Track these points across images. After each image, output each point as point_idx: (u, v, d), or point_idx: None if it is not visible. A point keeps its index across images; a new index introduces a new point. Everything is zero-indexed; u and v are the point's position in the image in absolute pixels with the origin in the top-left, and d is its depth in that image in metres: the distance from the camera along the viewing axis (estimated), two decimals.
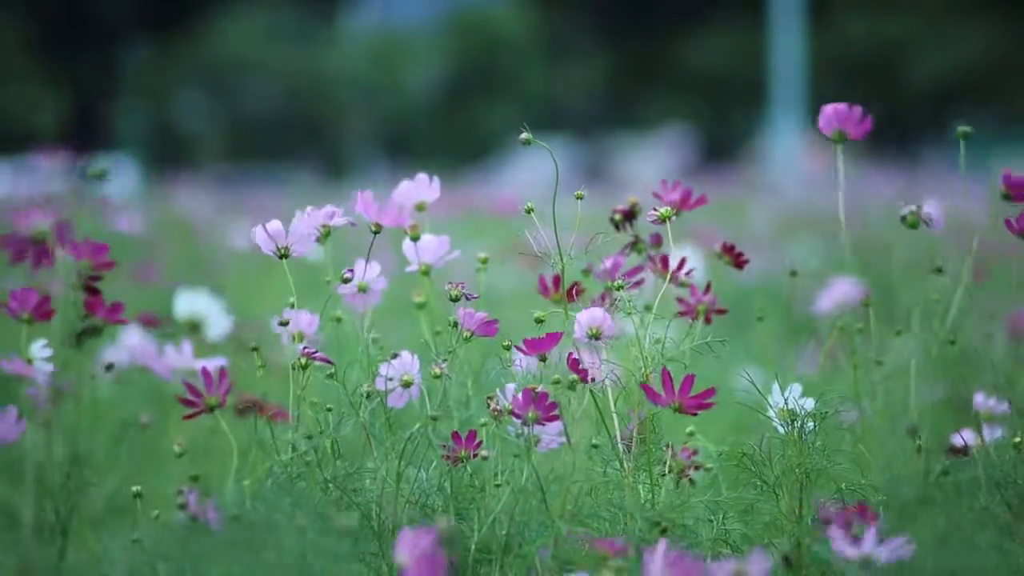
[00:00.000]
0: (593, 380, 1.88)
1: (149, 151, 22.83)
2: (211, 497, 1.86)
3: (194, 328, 2.64)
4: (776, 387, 1.91)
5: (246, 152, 23.28)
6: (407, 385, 1.89)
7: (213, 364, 2.44)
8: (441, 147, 23.41)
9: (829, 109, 2.05)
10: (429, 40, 26.11)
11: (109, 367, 2.23)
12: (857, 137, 2.06)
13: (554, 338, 1.87)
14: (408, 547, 1.58)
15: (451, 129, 25.03)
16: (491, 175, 17.44)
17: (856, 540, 1.65)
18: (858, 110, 2.05)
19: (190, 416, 1.91)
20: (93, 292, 2.00)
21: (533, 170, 14.56)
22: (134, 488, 1.92)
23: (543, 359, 1.87)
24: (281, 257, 1.92)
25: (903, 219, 2.04)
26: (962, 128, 2.00)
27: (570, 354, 1.87)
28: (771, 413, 1.91)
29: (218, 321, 2.65)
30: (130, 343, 2.66)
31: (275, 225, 1.92)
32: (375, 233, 1.96)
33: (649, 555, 1.61)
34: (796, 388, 1.91)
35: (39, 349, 1.98)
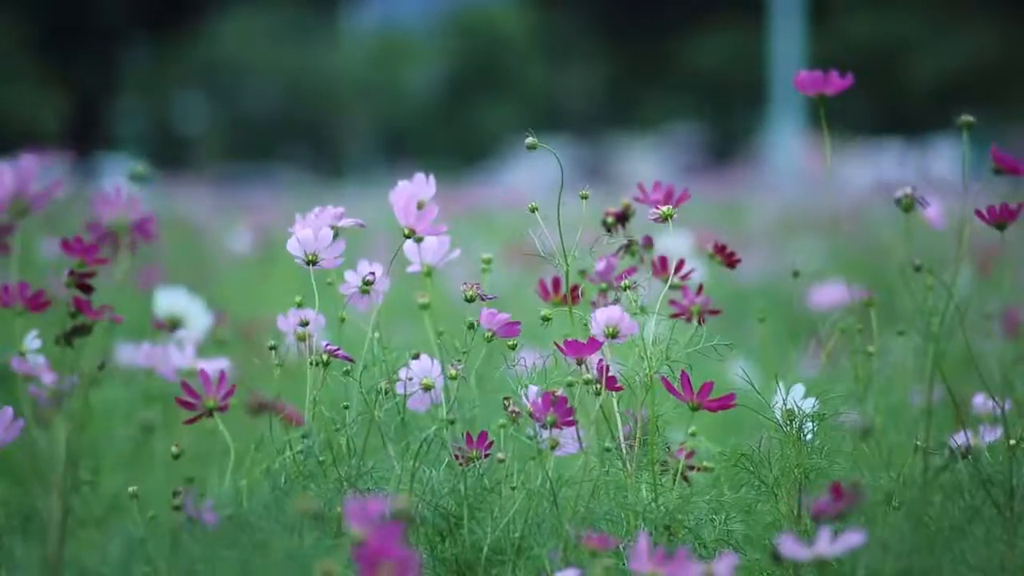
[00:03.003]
0: (620, 387, 1.88)
1: (149, 151, 22.82)
2: (208, 497, 1.86)
3: (175, 325, 2.65)
4: (779, 387, 1.91)
5: (246, 152, 23.28)
6: (427, 388, 1.90)
7: (215, 365, 2.45)
8: (441, 147, 23.41)
9: (804, 74, 2.08)
10: (429, 40, 26.11)
11: (101, 366, 2.23)
12: (836, 92, 2.07)
13: (595, 343, 1.87)
14: (358, 519, 1.49)
15: (451, 129, 25.03)
16: (491, 175, 17.43)
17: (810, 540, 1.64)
18: (833, 73, 2.07)
19: (191, 420, 1.91)
20: (86, 290, 2.01)
21: (533, 171, 14.56)
22: (131, 488, 1.92)
23: (580, 362, 1.87)
24: (309, 263, 1.94)
25: (898, 202, 2.04)
26: (965, 118, 2.00)
27: (600, 360, 1.88)
28: (775, 413, 1.91)
29: (198, 319, 2.66)
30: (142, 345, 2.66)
31: (305, 234, 1.94)
32: (407, 238, 1.98)
33: (632, 550, 1.62)
34: (799, 388, 1.91)
35: (30, 341, 1.99)
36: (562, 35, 26.44)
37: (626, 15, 26.75)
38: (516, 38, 25.77)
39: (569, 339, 1.87)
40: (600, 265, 2.08)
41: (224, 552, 1.64)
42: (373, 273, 1.96)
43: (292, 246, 1.95)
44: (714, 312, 2.09)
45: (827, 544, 1.63)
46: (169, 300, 2.66)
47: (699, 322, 2.06)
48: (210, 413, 1.91)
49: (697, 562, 1.62)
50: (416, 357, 1.92)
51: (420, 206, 2.03)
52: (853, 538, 1.62)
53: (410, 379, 1.90)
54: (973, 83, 23.80)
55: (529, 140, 1.93)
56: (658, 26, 26.34)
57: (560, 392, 1.84)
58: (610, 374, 1.87)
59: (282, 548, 1.61)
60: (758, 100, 20.60)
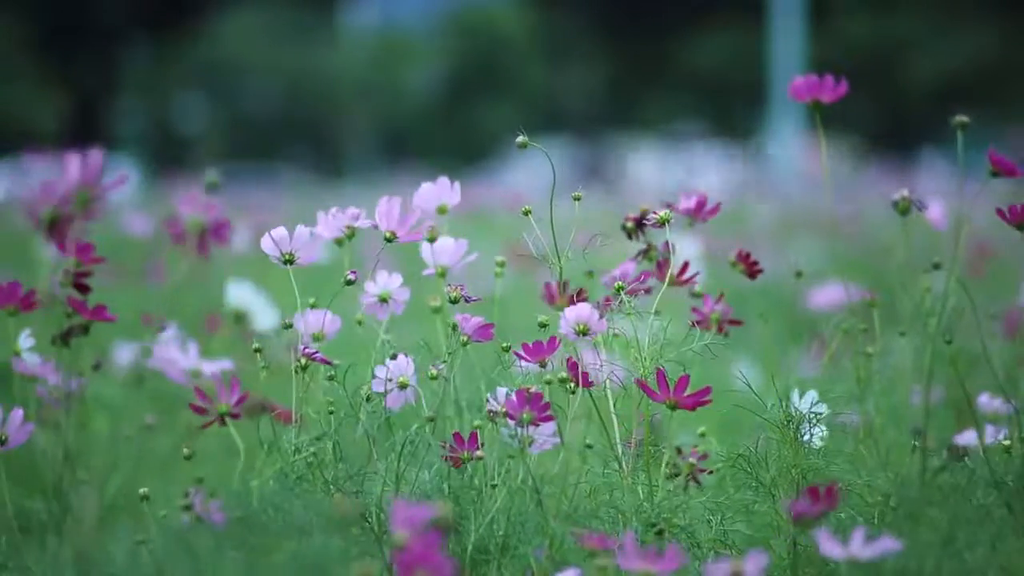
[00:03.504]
0: (591, 383, 1.88)
1: (148, 151, 22.83)
2: (216, 498, 1.86)
3: (240, 319, 2.69)
4: (791, 391, 1.91)
5: (246, 152, 23.28)
6: (403, 387, 1.89)
7: (219, 367, 2.45)
8: (441, 147, 23.42)
9: (799, 80, 2.07)
10: (429, 40, 26.12)
11: (96, 366, 2.23)
12: (832, 101, 2.07)
13: (553, 344, 1.87)
14: (404, 523, 1.51)
15: (451, 129, 25.03)
16: (491, 175, 17.44)
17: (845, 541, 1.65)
18: (829, 79, 2.06)
19: (206, 425, 1.90)
20: (83, 290, 2.01)
21: (533, 170, 14.57)
22: (142, 490, 1.91)
23: (543, 364, 1.87)
24: (286, 263, 1.90)
25: (895, 204, 2.04)
26: (959, 118, 1.99)
27: (569, 357, 1.88)
28: (777, 414, 1.91)
29: (265, 314, 2.70)
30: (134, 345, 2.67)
31: (280, 231, 1.91)
32: (388, 241, 1.94)
33: (620, 546, 1.62)
34: (811, 394, 1.91)
35: (24, 339, 2.00)
36: (562, 35, 26.44)
37: (626, 15, 26.75)
38: (516, 38, 25.77)
39: (526, 343, 1.87)
40: (616, 271, 2.07)
41: (231, 552, 1.64)
42: (355, 272, 1.94)
43: (266, 244, 1.91)
44: (735, 323, 2.08)
45: (862, 547, 1.63)
46: (238, 294, 2.69)
47: (719, 330, 2.06)
48: (222, 418, 1.90)
49: (691, 560, 1.63)
50: (394, 357, 1.90)
51: (442, 211, 2.02)
52: (887, 542, 1.63)
53: (390, 379, 1.89)
54: (973, 83, 23.81)
55: (520, 139, 1.93)
56: (658, 26, 26.34)
57: (534, 389, 1.84)
58: (579, 370, 1.87)
59: (288, 549, 1.62)
60: (758, 100, 20.60)
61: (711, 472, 2.01)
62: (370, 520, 1.83)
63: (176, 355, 2.50)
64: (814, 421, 1.90)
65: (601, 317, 1.89)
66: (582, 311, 1.89)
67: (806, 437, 1.90)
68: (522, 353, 1.87)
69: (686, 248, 2.80)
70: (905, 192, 2.04)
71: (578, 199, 1.92)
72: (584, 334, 1.88)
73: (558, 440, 1.90)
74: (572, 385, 1.87)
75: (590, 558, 1.66)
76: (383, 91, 25.24)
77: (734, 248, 2.20)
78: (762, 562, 1.60)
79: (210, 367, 2.43)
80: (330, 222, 1.95)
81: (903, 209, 2.03)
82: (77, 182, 1.97)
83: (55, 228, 2.00)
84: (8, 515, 1.93)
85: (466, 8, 26.39)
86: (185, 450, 1.94)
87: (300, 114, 25.18)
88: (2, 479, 1.85)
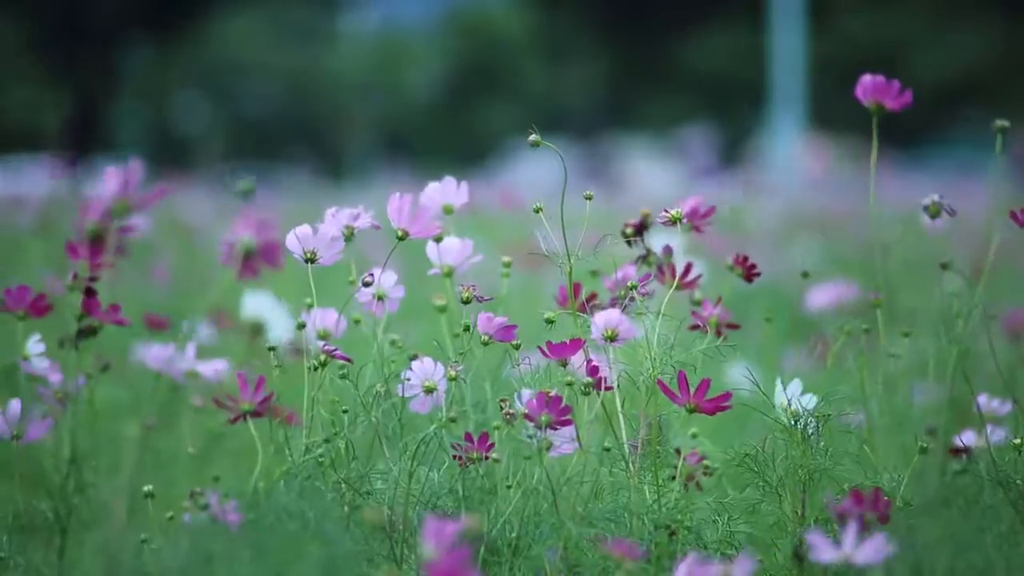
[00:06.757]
0: (609, 387, 1.88)
1: (149, 152, 22.81)
2: (227, 498, 1.86)
3: (257, 329, 2.68)
4: (780, 385, 1.91)
5: (246, 153, 23.27)
6: (429, 391, 1.89)
7: (214, 367, 2.45)
8: (441, 147, 23.40)
9: (867, 79, 2.04)
10: (429, 40, 26.11)
11: (104, 368, 2.23)
12: (895, 109, 2.05)
13: (577, 344, 1.87)
14: (434, 538, 1.52)
15: (451, 129, 25.02)
16: (491, 176, 17.43)
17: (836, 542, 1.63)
18: (896, 84, 2.04)
19: (233, 421, 1.91)
20: (90, 293, 2.01)
21: (533, 171, 14.56)
22: (146, 488, 1.91)
23: (564, 364, 1.87)
24: (308, 261, 1.92)
25: (925, 208, 2.04)
26: (999, 123, 1.99)
27: (589, 360, 1.87)
28: (778, 413, 1.91)
29: (281, 323, 2.70)
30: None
31: (304, 230, 1.92)
32: (400, 239, 1.95)
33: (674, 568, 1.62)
34: (796, 385, 1.91)
35: (34, 345, 2.00)
36: (562, 35, 26.43)
37: (626, 15, 26.74)
38: (516, 38, 25.76)
39: (551, 341, 1.87)
40: (618, 275, 2.07)
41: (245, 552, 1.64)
42: (372, 274, 1.94)
43: (291, 243, 1.93)
44: (733, 326, 2.08)
45: (855, 548, 1.61)
46: (255, 304, 2.69)
47: (717, 334, 2.05)
48: (244, 416, 1.90)
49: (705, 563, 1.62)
50: (413, 358, 1.90)
51: (448, 211, 2.01)
52: (881, 543, 1.61)
53: (409, 380, 1.89)
54: (973, 83, 23.80)
55: (532, 137, 1.92)
56: (658, 26, 26.33)
57: (555, 392, 1.83)
58: (600, 375, 1.87)
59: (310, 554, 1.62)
60: (758, 100, 20.59)
61: (708, 473, 2.01)
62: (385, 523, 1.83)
63: (175, 355, 2.50)
64: (811, 416, 1.90)
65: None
66: (611, 316, 1.89)
67: (812, 436, 1.90)
68: (545, 351, 1.86)
69: (672, 243, 2.81)
70: (935, 197, 2.04)
71: (589, 198, 1.92)
72: (613, 339, 1.88)
73: (577, 444, 1.89)
74: (590, 388, 1.87)
75: (615, 565, 1.65)
76: (383, 91, 25.23)
77: (735, 248, 2.20)
78: (749, 567, 1.61)
79: (205, 367, 2.43)
80: (329, 222, 1.96)
81: (933, 212, 2.03)
82: (116, 194, 1.94)
83: (96, 242, 1.99)
84: (11, 514, 1.93)
85: (466, 8, 26.38)
86: (190, 449, 1.95)
87: (300, 114, 25.17)
88: None
